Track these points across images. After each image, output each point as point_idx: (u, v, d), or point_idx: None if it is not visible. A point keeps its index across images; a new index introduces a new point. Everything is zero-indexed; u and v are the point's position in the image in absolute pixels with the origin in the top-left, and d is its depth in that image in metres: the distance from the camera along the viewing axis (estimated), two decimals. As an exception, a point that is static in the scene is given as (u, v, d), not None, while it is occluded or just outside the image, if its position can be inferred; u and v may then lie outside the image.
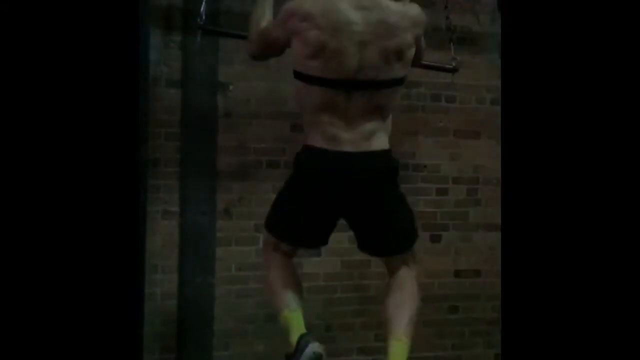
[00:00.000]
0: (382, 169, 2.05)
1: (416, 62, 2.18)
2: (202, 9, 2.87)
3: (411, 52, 2.01)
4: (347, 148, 1.96)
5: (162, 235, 3.28)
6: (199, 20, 2.89)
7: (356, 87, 1.91)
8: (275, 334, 3.42)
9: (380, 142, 2.02)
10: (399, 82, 2.00)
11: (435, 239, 3.67)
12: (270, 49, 2.08)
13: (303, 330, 2.02)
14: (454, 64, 3.22)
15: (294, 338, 1.99)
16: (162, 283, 3.27)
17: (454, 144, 3.71)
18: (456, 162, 3.71)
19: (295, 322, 2.05)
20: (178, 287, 3.29)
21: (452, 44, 3.21)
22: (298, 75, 1.98)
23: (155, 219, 3.26)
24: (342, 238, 3.54)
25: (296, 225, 2.10)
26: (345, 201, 2.04)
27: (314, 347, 1.91)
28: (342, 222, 3.56)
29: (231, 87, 3.35)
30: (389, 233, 2.12)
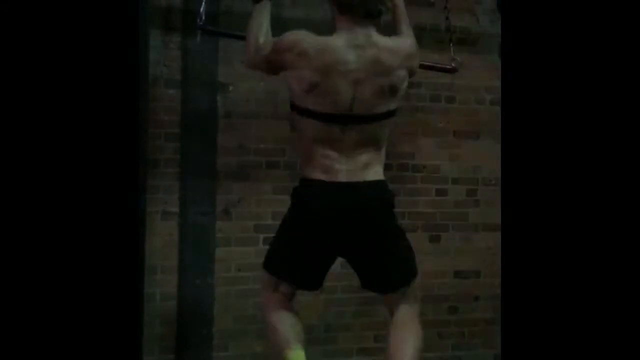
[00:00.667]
0: (378, 198, 2.07)
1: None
2: (201, 9, 2.87)
3: (405, 85, 2.04)
4: (343, 179, 1.99)
5: (161, 235, 3.28)
6: (198, 20, 2.89)
7: (350, 121, 1.95)
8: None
9: (376, 173, 2.05)
10: (392, 114, 2.04)
11: (435, 239, 3.67)
12: (265, 68, 2.09)
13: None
14: (453, 65, 3.22)
15: None
16: (161, 284, 3.27)
17: (454, 145, 3.71)
18: (456, 162, 3.71)
19: None
20: (178, 287, 3.29)
21: (451, 44, 3.21)
22: (294, 107, 2.02)
23: (155, 220, 3.26)
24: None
25: (295, 263, 2.09)
26: (344, 232, 2.03)
27: None
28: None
29: (231, 88, 3.35)
30: (389, 265, 2.10)
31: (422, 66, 3.31)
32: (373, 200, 2.04)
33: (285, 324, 2.10)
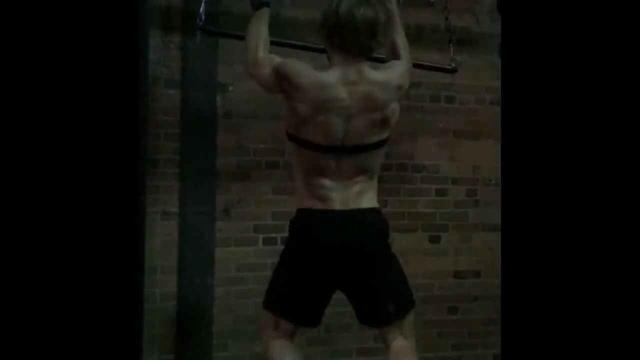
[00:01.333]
0: (373, 224, 2.11)
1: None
2: (201, 9, 2.87)
3: (396, 115, 2.10)
4: (339, 207, 2.04)
5: (161, 236, 3.28)
6: (198, 21, 2.89)
7: (344, 152, 2.01)
8: (274, 334, 3.44)
9: (370, 201, 2.10)
10: (383, 143, 2.10)
11: (435, 239, 3.67)
12: (263, 85, 2.15)
13: None
14: (453, 65, 3.22)
15: None
16: (161, 284, 3.27)
17: (453, 145, 3.71)
18: (455, 162, 3.71)
19: None
20: (177, 287, 3.29)
21: (451, 44, 3.21)
22: (290, 137, 2.08)
23: (155, 220, 3.25)
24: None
25: (295, 299, 2.11)
26: (341, 260, 2.05)
27: None
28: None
29: (230, 88, 3.35)
30: (385, 296, 2.12)
31: (422, 66, 3.32)
32: (368, 226, 2.09)
33: None
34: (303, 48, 2.92)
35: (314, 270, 2.06)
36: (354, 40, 2.01)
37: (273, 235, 3.38)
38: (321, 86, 2.00)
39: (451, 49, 3.21)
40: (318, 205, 2.05)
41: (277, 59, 2.10)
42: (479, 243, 3.72)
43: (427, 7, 3.62)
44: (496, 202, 3.26)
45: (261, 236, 3.37)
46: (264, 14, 2.16)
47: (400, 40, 2.28)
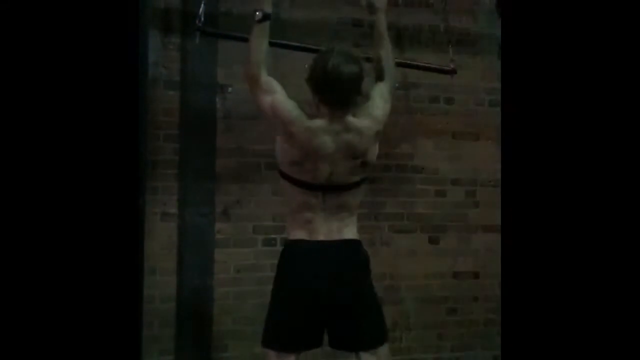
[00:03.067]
0: (355, 253, 2.29)
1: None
2: (200, 10, 2.87)
3: (374, 156, 2.28)
4: (323, 237, 2.23)
5: (160, 237, 3.28)
6: (197, 22, 2.89)
7: (329, 190, 2.22)
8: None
9: (351, 233, 2.28)
10: (363, 181, 2.30)
11: (434, 240, 3.68)
12: (258, 105, 2.27)
13: None
14: (452, 66, 3.23)
15: None
16: (160, 285, 3.27)
17: (453, 146, 3.71)
18: (455, 163, 3.71)
19: None
20: (177, 289, 3.29)
21: (450, 45, 3.22)
22: (282, 174, 2.27)
23: (154, 221, 3.25)
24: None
25: (292, 332, 2.21)
26: (325, 287, 2.18)
27: None
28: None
29: (230, 89, 3.35)
30: (363, 324, 2.24)
31: (421, 67, 3.33)
32: (350, 256, 2.27)
33: None
34: (301, 49, 2.92)
35: (305, 300, 2.19)
36: (339, 96, 2.16)
37: (272, 236, 3.38)
38: (310, 136, 2.17)
39: (450, 50, 3.21)
40: (305, 237, 2.23)
41: (276, 94, 2.23)
42: (478, 244, 3.72)
43: (426, 8, 3.62)
44: (495, 203, 3.26)
45: (260, 237, 3.37)
46: (266, 27, 2.25)
47: (386, 56, 2.42)
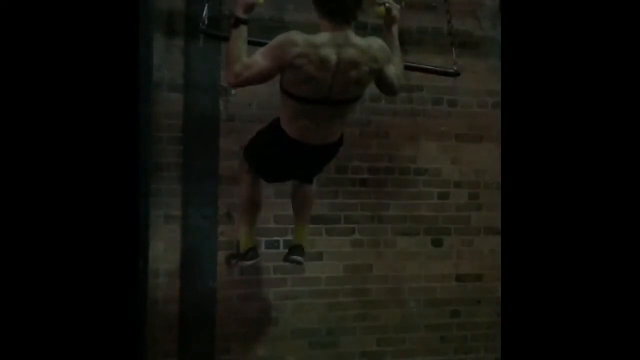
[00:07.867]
0: (335, 149, 2.64)
1: (387, 90, 2.60)
2: (204, 13, 2.87)
3: (368, 79, 2.46)
4: (317, 142, 2.49)
5: (164, 239, 3.28)
6: (201, 24, 2.90)
7: (327, 103, 2.41)
8: (276, 338, 3.43)
9: (336, 137, 2.57)
10: (357, 99, 2.52)
11: (437, 243, 3.67)
12: (258, 77, 2.38)
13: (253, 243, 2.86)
14: (455, 68, 3.22)
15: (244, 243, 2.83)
16: (163, 287, 3.28)
17: (456, 148, 3.71)
18: (458, 166, 3.71)
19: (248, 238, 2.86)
20: (180, 291, 3.29)
21: (453, 48, 3.22)
22: (287, 93, 2.42)
23: (158, 223, 3.26)
24: (343, 242, 3.56)
25: (266, 167, 2.71)
26: (305, 158, 2.58)
27: None
28: (343, 225, 3.56)
29: (233, 92, 3.36)
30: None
31: (424, 70, 3.33)
32: (329, 150, 2.62)
33: (252, 203, 2.84)
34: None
35: (283, 155, 2.56)
36: (341, 9, 2.31)
37: (275, 238, 3.38)
38: (319, 49, 2.31)
39: (453, 53, 3.21)
40: (299, 139, 2.47)
41: (263, 49, 2.36)
42: (481, 246, 3.72)
43: (429, 11, 3.62)
44: (498, 206, 3.26)
45: (263, 239, 3.37)
46: (243, 32, 2.36)
47: (394, 74, 2.56)
